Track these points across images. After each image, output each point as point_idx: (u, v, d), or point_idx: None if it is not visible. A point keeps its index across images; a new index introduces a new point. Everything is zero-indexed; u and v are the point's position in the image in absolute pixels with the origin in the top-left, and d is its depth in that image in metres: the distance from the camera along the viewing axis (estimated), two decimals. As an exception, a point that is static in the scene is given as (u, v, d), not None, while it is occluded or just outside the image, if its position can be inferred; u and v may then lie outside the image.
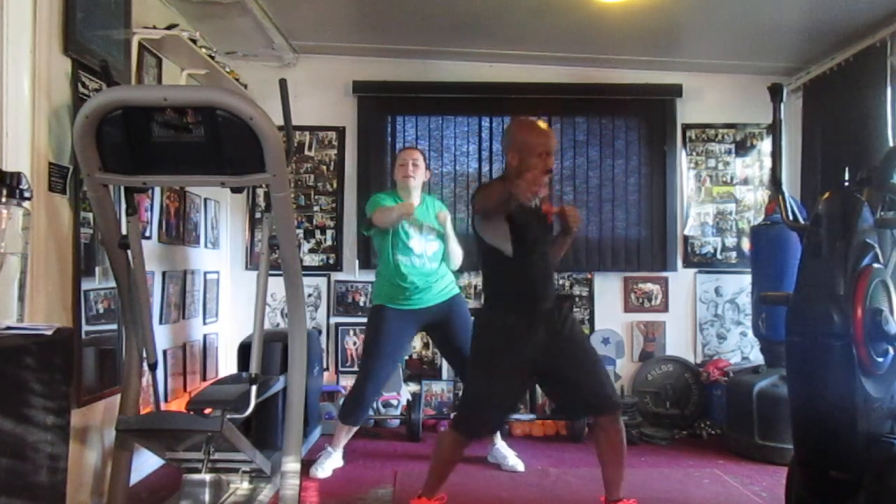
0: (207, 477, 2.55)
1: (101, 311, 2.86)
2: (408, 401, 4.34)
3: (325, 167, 4.70)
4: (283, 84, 2.51)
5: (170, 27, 3.33)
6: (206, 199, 4.18)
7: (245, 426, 2.82)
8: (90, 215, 2.70)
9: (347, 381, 4.51)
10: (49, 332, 1.75)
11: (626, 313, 4.77)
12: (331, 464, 3.47)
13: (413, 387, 4.58)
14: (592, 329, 4.69)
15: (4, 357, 1.61)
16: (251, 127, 2.08)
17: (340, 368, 4.64)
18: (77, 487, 2.63)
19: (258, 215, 4.54)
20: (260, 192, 4.47)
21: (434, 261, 3.51)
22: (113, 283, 2.66)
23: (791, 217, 2.56)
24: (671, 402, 4.58)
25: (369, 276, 4.56)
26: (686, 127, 4.81)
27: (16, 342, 1.68)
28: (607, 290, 4.76)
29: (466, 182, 4.68)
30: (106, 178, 2.24)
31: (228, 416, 2.38)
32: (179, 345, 3.80)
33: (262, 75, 4.37)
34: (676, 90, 4.73)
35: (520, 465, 3.54)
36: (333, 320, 4.68)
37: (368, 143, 4.67)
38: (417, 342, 4.64)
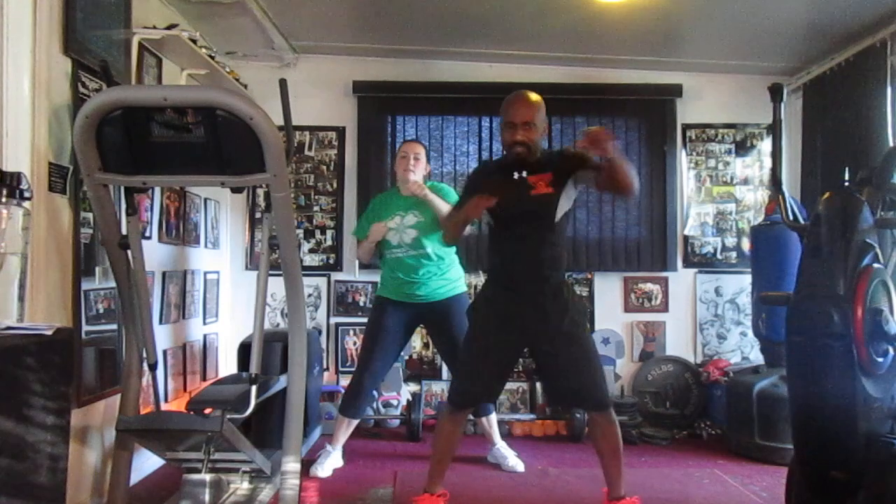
0: (207, 477, 2.55)
1: (101, 311, 2.86)
2: (408, 401, 4.34)
3: (325, 167, 4.70)
4: (283, 84, 2.51)
5: (170, 27, 3.33)
6: (206, 199, 4.18)
7: (245, 426, 2.81)
8: (90, 215, 2.70)
9: (347, 381, 4.51)
10: (49, 332, 1.74)
11: (626, 313, 4.77)
12: (331, 463, 3.47)
13: (413, 387, 4.58)
14: (592, 329, 4.69)
15: (4, 357, 1.60)
16: (251, 127, 2.08)
17: (340, 368, 4.64)
18: (77, 487, 2.63)
19: (258, 215, 4.54)
20: (260, 192, 4.46)
21: (417, 248, 3.44)
22: (113, 283, 2.66)
23: (791, 217, 2.57)
24: (671, 402, 4.58)
25: (369, 276, 4.57)
26: (686, 127, 4.81)
27: (16, 342, 1.67)
28: (607, 290, 4.76)
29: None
30: (106, 178, 2.24)
31: (228, 416, 2.38)
32: (179, 345, 3.80)
33: (262, 75, 4.37)
34: (676, 90, 4.73)
35: (520, 466, 3.54)
36: (333, 320, 4.68)
37: (368, 143, 4.67)
38: (417, 342, 4.65)
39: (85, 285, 2.72)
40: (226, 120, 2.08)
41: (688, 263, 4.79)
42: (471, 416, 3.31)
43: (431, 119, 4.73)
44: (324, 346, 4.53)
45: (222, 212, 4.52)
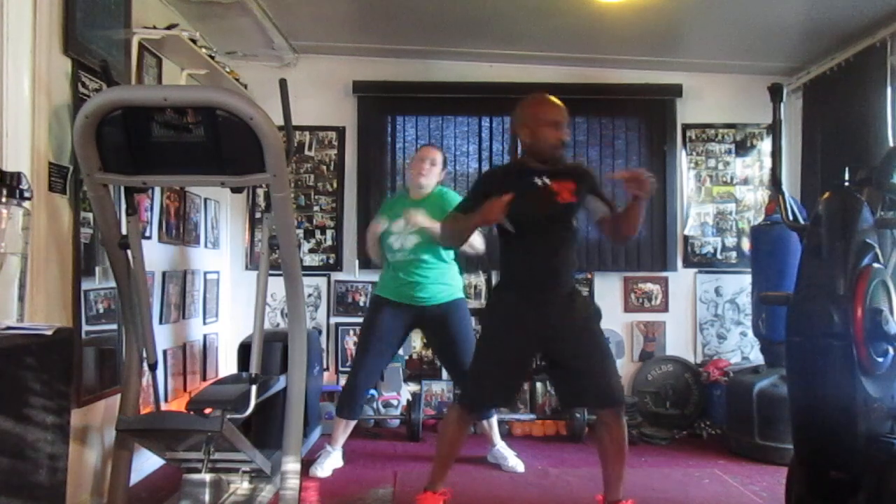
0: (207, 477, 2.55)
1: (101, 311, 2.86)
2: (408, 401, 4.34)
3: (325, 167, 4.70)
4: (283, 84, 2.51)
5: (170, 27, 3.33)
6: (206, 199, 4.18)
7: (245, 426, 2.81)
8: (90, 215, 2.70)
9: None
10: (49, 332, 1.75)
11: (626, 313, 4.77)
12: (330, 463, 3.47)
13: (413, 387, 4.58)
14: (593, 329, 4.69)
15: (4, 357, 1.61)
16: (251, 127, 2.08)
17: (340, 368, 4.63)
18: (77, 487, 2.63)
19: (258, 215, 4.54)
20: (260, 192, 4.47)
21: (418, 253, 3.43)
22: (113, 283, 2.66)
23: (791, 217, 2.57)
24: (671, 402, 4.58)
25: (369, 276, 4.57)
26: (686, 127, 4.81)
27: (16, 342, 1.68)
28: (607, 290, 4.76)
29: (466, 182, 4.67)
30: (106, 178, 2.24)
31: (228, 416, 2.38)
32: (179, 345, 3.80)
33: (262, 75, 4.36)
34: (676, 90, 4.73)
35: (520, 466, 3.54)
36: (333, 320, 4.68)
37: (368, 143, 4.67)
38: (417, 342, 4.65)
39: (85, 285, 2.72)
40: (226, 120, 2.08)
41: (688, 263, 4.79)
42: None
43: (431, 119, 4.73)
44: (324, 346, 4.53)
45: (222, 212, 4.52)
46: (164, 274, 3.57)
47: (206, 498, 2.53)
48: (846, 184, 2.59)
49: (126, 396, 2.56)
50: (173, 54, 3.49)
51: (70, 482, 1.92)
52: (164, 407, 3.16)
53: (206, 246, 4.21)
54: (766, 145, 4.80)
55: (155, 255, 3.46)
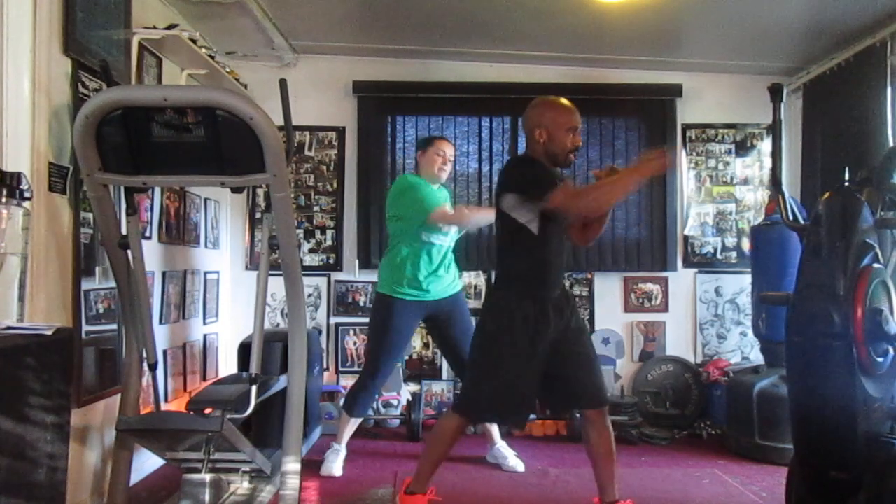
0: (207, 477, 2.55)
1: (101, 311, 2.86)
2: (408, 401, 4.34)
3: (325, 167, 4.71)
4: (283, 84, 2.51)
5: (170, 27, 3.32)
6: (206, 199, 4.18)
7: (245, 426, 2.82)
8: (90, 215, 2.70)
9: (347, 381, 4.51)
10: (49, 332, 1.75)
11: (626, 313, 4.77)
12: (342, 460, 3.48)
13: (413, 387, 4.58)
14: (592, 329, 4.69)
15: (4, 357, 1.61)
16: (251, 127, 2.08)
17: (340, 368, 4.64)
18: (77, 487, 2.63)
19: (258, 215, 4.54)
20: (260, 192, 4.47)
21: (449, 239, 3.54)
22: (113, 283, 2.66)
23: (791, 217, 2.56)
24: (671, 402, 4.58)
25: (369, 276, 4.57)
26: (686, 127, 4.81)
27: (16, 342, 1.68)
28: (607, 290, 4.76)
29: (466, 182, 4.68)
30: (106, 179, 2.24)
31: (228, 416, 2.38)
32: (179, 345, 3.80)
33: (262, 75, 4.37)
34: (676, 90, 4.73)
35: (520, 466, 3.54)
36: (333, 320, 4.68)
37: (368, 143, 4.67)
38: (417, 342, 4.65)
39: (85, 285, 2.72)
40: (226, 120, 2.08)
41: (688, 263, 4.79)
42: None
43: (431, 119, 4.73)
44: (324, 346, 4.53)
45: (222, 212, 4.52)
46: (164, 274, 3.57)
47: (206, 498, 2.53)
48: (846, 184, 2.59)
49: (126, 396, 2.56)
50: (173, 54, 3.49)
51: (70, 482, 1.92)
52: (164, 407, 3.16)
53: (206, 246, 4.21)
54: (766, 145, 4.81)
55: (155, 255, 3.46)
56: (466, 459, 3.60)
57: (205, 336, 4.17)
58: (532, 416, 4.35)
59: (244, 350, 3.49)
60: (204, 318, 4.16)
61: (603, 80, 4.70)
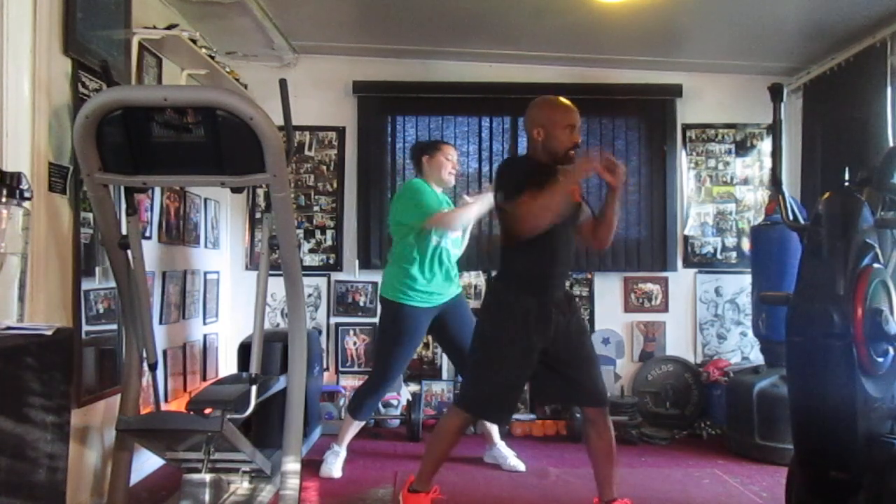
0: (207, 477, 2.55)
1: (101, 311, 2.86)
2: (408, 401, 4.34)
3: (325, 167, 4.71)
4: (283, 84, 2.51)
5: (170, 27, 3.32)
6: (206, 199, 4.18)
7: (245, 426, 2.81)
8: (90, 215, 2.70)
9: (347, 381, 4.53)
10: (49, 332, 1.75)
11: (626, 313, 4.77)
12: (341, 462, 3.47)
13: (413, 387, 4.58)
14: (592, 329, 4.69)
15: (4, 357, 1.61)
16: (251, 127, 2.08)
17: (340, 368, 4.64)
18: (77, 487, 2.63)
19: (258, 215, 4.54)
20: (260, 192, 4.47)
21: (457, 244, 3.54)
22: (113, 283, 2.66)
23: (791, 217, 2.56)
24: (671, 402, 4.58)
25: (369, 276, 4.57)
26: (686, 127, 4.81)
27: (16, 342, 1.68)
28: (607, 290, 4.76)
29: (466, 182, 4.67)
30: (106, 179, 2.24)
31: (228, 416, 2.38)
32: (179, 345, 3.80)
33: (262, 75, 4.37)
34: (676, 90, 4.73)
35: (521, 466, 3.54)
36: (333, 320, 4.68)
37: (368, 143, 4.67)
38: (417, 342, 4.65)
39: (85, 285, 2.72)
40: (226, 120, 2.08)
41: (688, 263, 4.79)
42: None
43: (431, 119, 4.73)
44: (324, 346, 4.53)
45: (222, 212, 4.52)
46: (164, 274, 3.57)
47: (206, 498, 2.53)
48: (846, 184, 2.59)
49: (126, 396, 2.56)
50: (173, 54, 3.49)
51: (70, 482, 1.92)
52: (164, 407, 3.16)
53: (206, 246, 4.21)
54: (766, 145, 4.81)
55: (155, 255, 3.46)
56: (467, 460, 3.60)
57: (205, 336, 4.17)
58: (532, 417, 4.37)
59: (244, 350, 3.49)
60: (204, 318, 4.16)
61: (603, 79, 4.70)
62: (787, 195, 2.59)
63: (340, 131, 4.70)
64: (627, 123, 4.78)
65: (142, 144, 2.16)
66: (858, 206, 2.37)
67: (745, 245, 4.70)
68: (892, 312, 2.37)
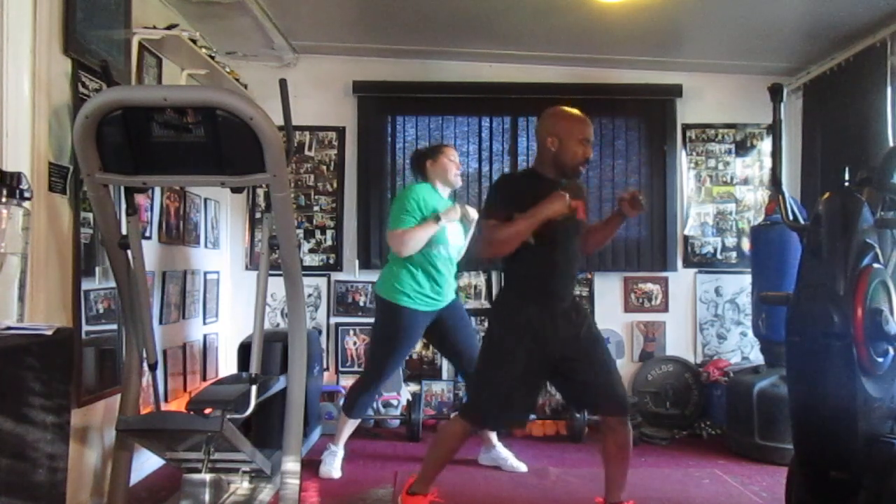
0: (207, 477, 2.55)
1: (101, 311, 2.86)
2: (408, 401, 4.34)
3: (325, 167, 4.71)
4: (283, 84, 2.51)
5: (170, 27, 3.33)
6: (206, 199, 4.18)
7: (245, 426, 2.82)
8: (90, 215, 2.70)
9: (347, 381, 4.51)
10: (49, 332, 1.75)
11: (626, 313, 4.77)
12: (339, 462, 3.47)
13: (413, 387, 4.58)
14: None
15: (4, 357, 1.61)
16: (251, 127, 2.08)
17: (340, 368, 4.64)
18: (77, 487, 2.63)
19: (258, 215, 4.54)
20: (260, 192, 4.47)
21: (457, 251, 3.53)
22: (113, 283, 2.66)
23: (791, 217, 2.56)
24: (671, 402, 4.58)
25: (369, 276, 4.57)
26: (686, 127, 4.81)
27: (16, 342, 1.68)
28: (607, 290, 4.76)
29: (466, 182, 4.67)
30: (106, 179, 2.24)
31: (228, 416, 2.38)
32: (179, 345, 3.80)
33: (262, 75, 4.37)
34: (676, 90, 4.73)
35: (522, 466, 3.53)
36: (333, 320, 4.68)
37: (368, 143, 4.67)
38: (418, 342, 4.64)
39: (85, 285, 2.72)
40: (226, 120, 2.08)
41: (688, 263, 4.79)
42: None
43: (431, 119, 4.73)
44: (324, 346, 4.53)
45: (222, 212, 4.52)
46: (164, 274, 3.57)
47: (206, 498, 2.53)
48: (846, 184, 2.59)
49: (126, 396, 2.56)
50: (173, 54, 3.50)
51: (70, 482, 1.92)
52: (164, 407, 3.16)
53: (206, 246, 4.21)
54: (766, 145, 4.81)
55: (155, 255, 3.46)
56: (467, 460, 3.60)
57: (205, 336, 4.17)
58: (532, 416, 4.36)
59: (244, 350, 3.49)
60: (204, 318, 4.16)
61: (603, 80, 4.70)
62: (787, 195, 2.59)
63: (340, 131, 4.70)
64: (627, 123, 4.78)
65: (142, 144, 2.15)
66: (858, 206, 2.37)
67: (745, 245, 4.70)
68: (892, 312, 2.37)
